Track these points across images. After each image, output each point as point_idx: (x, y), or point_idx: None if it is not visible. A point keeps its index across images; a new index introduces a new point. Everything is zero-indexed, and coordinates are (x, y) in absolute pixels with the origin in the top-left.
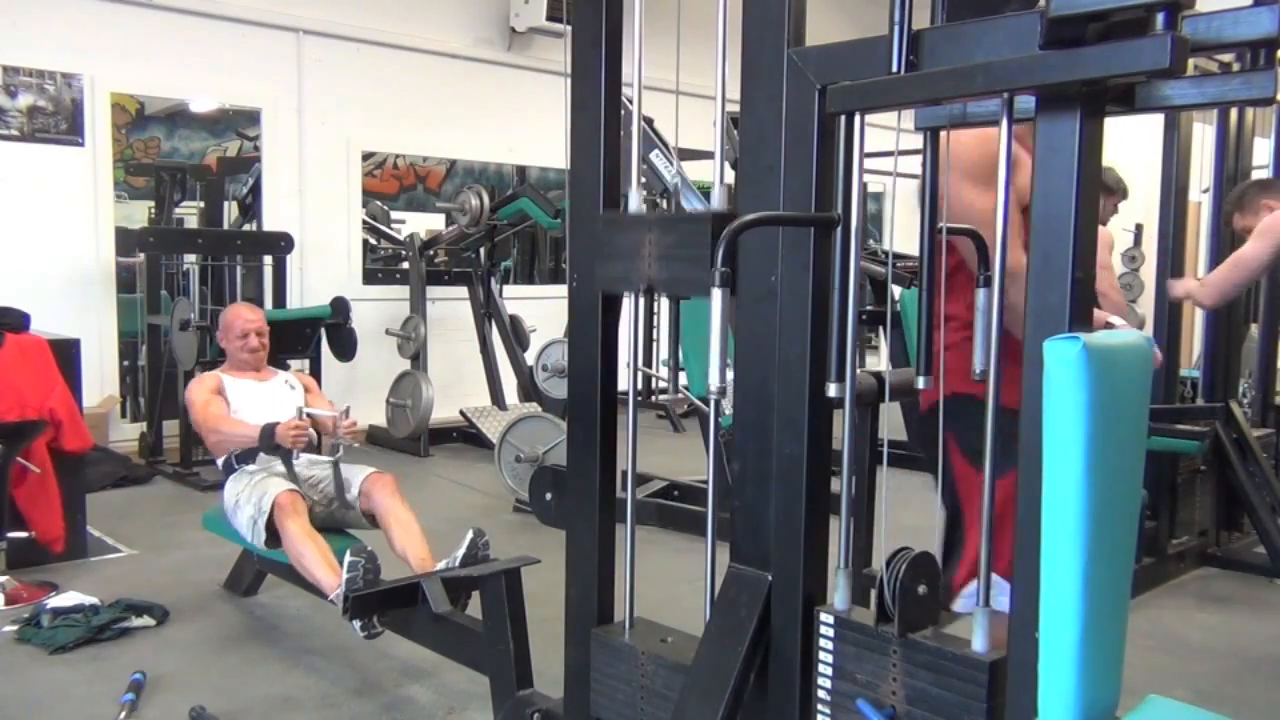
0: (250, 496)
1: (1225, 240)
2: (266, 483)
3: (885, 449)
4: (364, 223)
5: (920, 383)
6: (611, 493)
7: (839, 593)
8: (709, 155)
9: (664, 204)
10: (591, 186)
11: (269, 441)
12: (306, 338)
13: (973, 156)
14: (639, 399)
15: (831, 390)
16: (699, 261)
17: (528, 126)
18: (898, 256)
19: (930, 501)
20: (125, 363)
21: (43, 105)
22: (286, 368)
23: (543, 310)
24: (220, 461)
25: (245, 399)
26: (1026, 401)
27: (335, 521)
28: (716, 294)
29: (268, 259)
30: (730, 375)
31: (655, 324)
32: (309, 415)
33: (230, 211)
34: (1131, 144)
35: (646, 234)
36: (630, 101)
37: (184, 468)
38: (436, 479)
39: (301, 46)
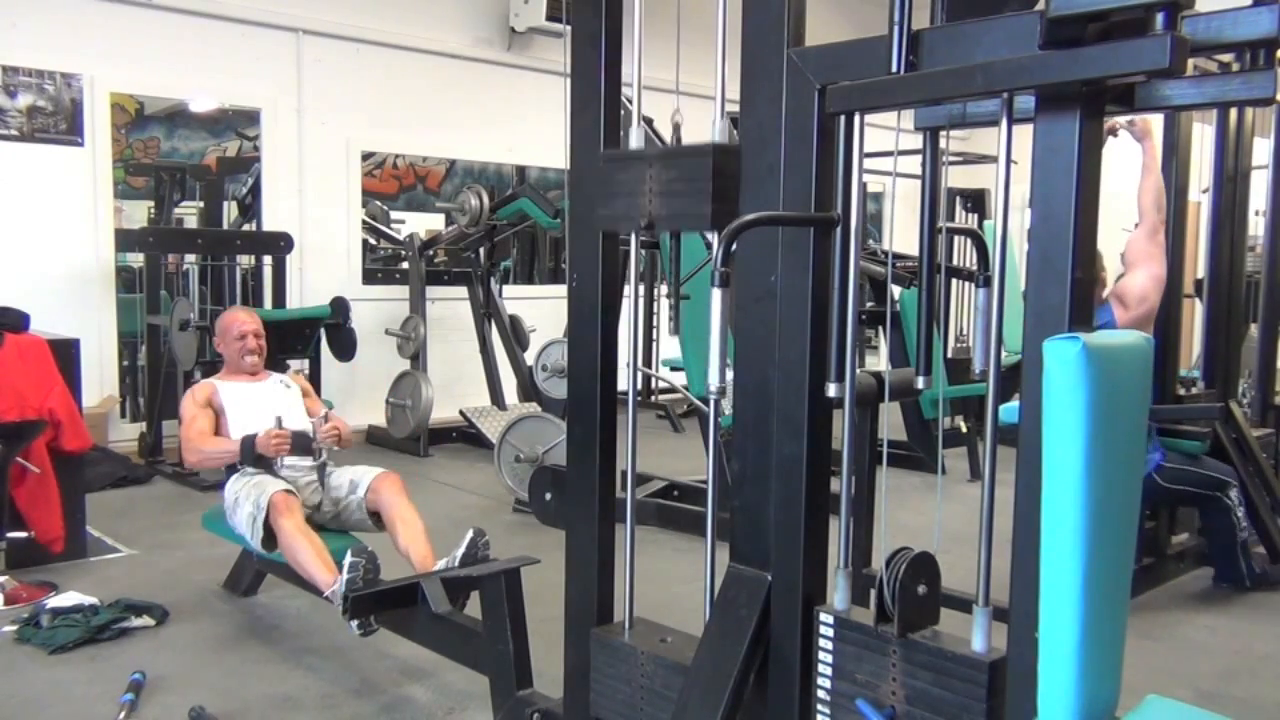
0: (249, 494)
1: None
2: (265, 481)
3: (885, 449)
4: (364, 223)
5: (920, 383)
6: (611, 493)
7: (839, 593)
8: None
9: None
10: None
11: (251, 454)
12: (306, 338)
13: None
14: (639, 399)
15: (831, 390)
16: (699, 196)
17: (527, 126)
18: (898, 256)
19: (930, 501)
20: (125, 363)
21: (42, 105)
22: (285, 369)
23: (543, 310)
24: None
25: (240, 401)
26: (1026, 401)
27: (341, 523)
28: (716, 294)
29: (267, 259)
30: (730, 375)
31: (655, 324)
32: (285, 426)
33: (230, 211)
34: (1131, 144)
35: (647, 170)
36: (630, 101)
37: (183, 468)
38: (436, 479)
39: (301, 46)
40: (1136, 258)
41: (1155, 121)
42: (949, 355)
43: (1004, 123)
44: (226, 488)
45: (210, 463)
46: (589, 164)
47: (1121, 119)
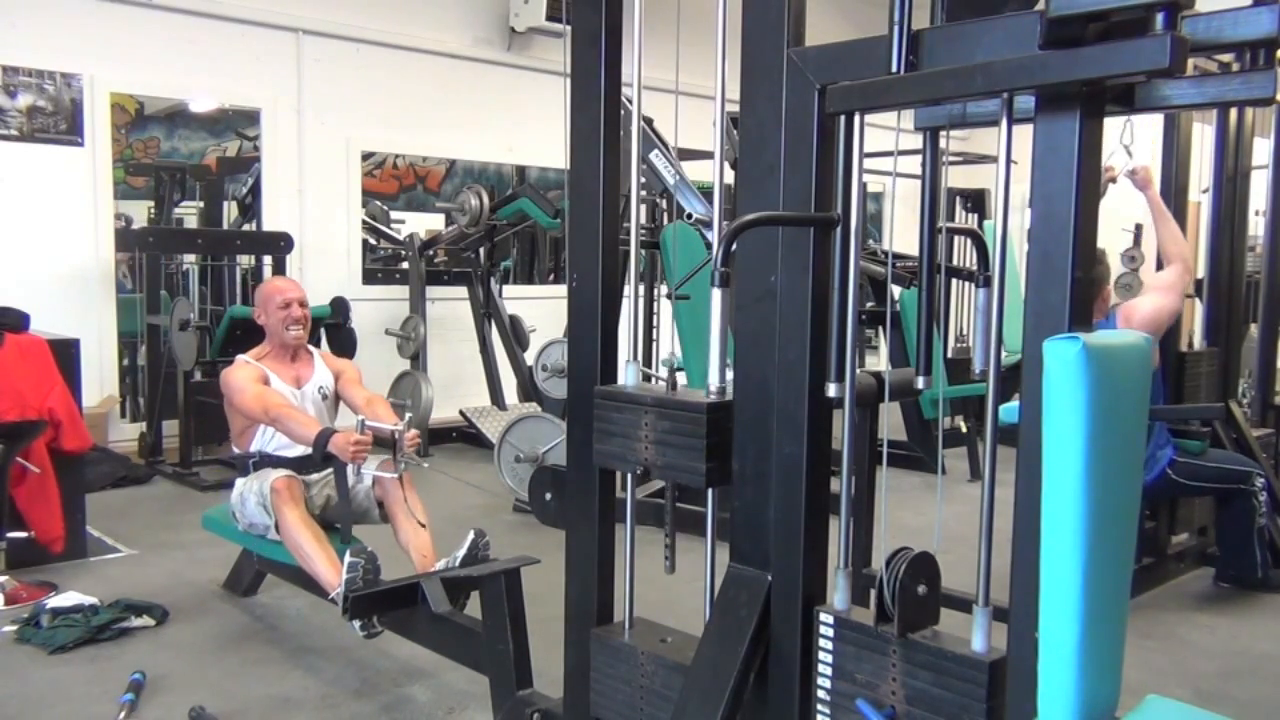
0: (253, 486)
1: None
2: (267, 471)
3: (885, 449)
4: (364, 223)
5: (920, 383)
6: (611, 493)
7: (839, 593)
8: (709, 155)
9: (663, 204)
10: (591, 187)
11: (322, 450)
12: None
13: None
14: None
15: (831, 390)
16: (694, 453)
17: (527, 126)
18: (898, 256)
19: (930, 501)
20: (125, 363)
21: (42, 105)
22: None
23: (543, 310)
24: (236, 453)
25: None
26: (1026, 401)
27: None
28: (716, 294)
29: (267, 259)
30: (730, 374)
31: (655, 324)
32: (370, 428)
33: (230, 211)
34: (1131, 144)
35: (643, 416)
36: (630, 101)
37: (183, 468)
38: (437, 479)
39: (301, 46)
40: (1159, 284)
41: (1155, 169)
42: (949, 355)
43: (1004, 123)
44: (235, 486)
45: (284, 427)
46: (586, 394)
47: (1121, 167)
